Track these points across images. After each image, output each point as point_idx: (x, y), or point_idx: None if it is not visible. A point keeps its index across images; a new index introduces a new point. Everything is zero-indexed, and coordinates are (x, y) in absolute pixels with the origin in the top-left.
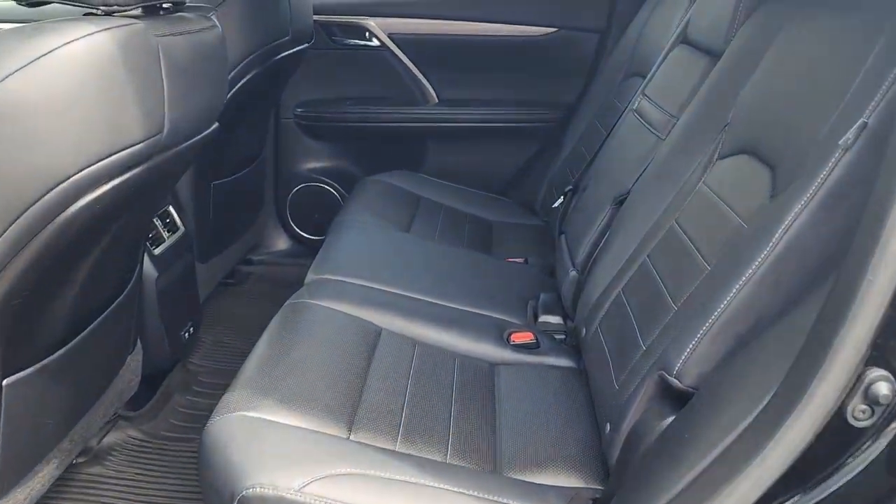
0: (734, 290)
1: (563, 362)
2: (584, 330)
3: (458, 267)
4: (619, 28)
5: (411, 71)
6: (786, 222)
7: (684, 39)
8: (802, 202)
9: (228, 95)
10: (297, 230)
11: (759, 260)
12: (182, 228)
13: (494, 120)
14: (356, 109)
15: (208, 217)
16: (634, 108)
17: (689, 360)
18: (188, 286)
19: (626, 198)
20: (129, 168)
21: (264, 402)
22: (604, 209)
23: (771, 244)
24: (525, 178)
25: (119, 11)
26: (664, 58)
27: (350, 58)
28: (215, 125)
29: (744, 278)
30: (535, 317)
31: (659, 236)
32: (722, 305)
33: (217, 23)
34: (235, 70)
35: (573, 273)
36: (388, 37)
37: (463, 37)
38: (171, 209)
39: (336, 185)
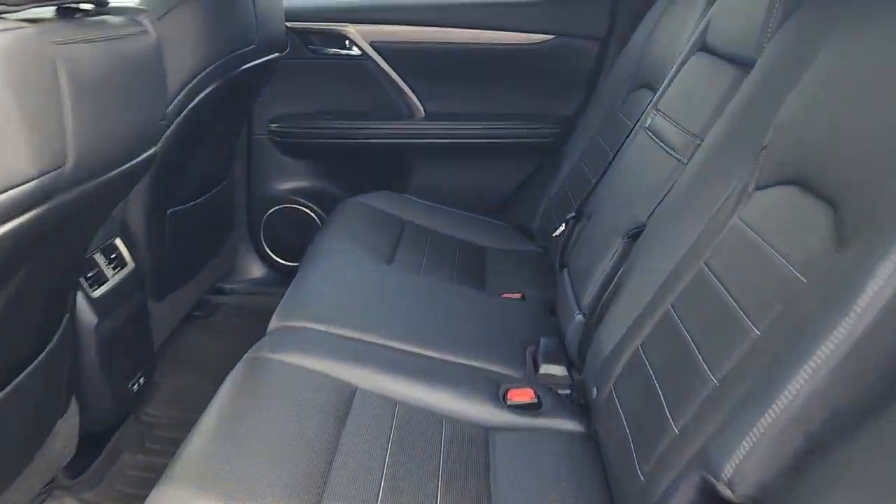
0: (804, 376)
1: (570, 425)
2: (594, 389)
3: (448, 307)
4: (622, 35)
5: (395, 82)
6: (873, 287)
7: (703, 47)
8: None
9: (184, 113)
10: (273, 256)
11: (838, 335)
12: (131, 264)
13: (486, 135)
14: (335, 125)
15: (165, 248)
16: (646, 125)
17: (745, 464)
18: (139, 330)
19: (640, 231)
20: (23, 209)
21: (207, 492)
22: (614, 243)
23: (853, 315)
24: (520, 199)
25: (7, 12)
26: (679, 68)
27: (328, 68)
28: (153, 149)
29: (816, 360)
30: (536, 366)
31: (684, 280)
32: (786, 394)
33: (149, 27)
34: (190, 84)
35: (579, 317)
36: (370, 45)
37: (451, 45)
38: (119, 242)
39: (314, 206)
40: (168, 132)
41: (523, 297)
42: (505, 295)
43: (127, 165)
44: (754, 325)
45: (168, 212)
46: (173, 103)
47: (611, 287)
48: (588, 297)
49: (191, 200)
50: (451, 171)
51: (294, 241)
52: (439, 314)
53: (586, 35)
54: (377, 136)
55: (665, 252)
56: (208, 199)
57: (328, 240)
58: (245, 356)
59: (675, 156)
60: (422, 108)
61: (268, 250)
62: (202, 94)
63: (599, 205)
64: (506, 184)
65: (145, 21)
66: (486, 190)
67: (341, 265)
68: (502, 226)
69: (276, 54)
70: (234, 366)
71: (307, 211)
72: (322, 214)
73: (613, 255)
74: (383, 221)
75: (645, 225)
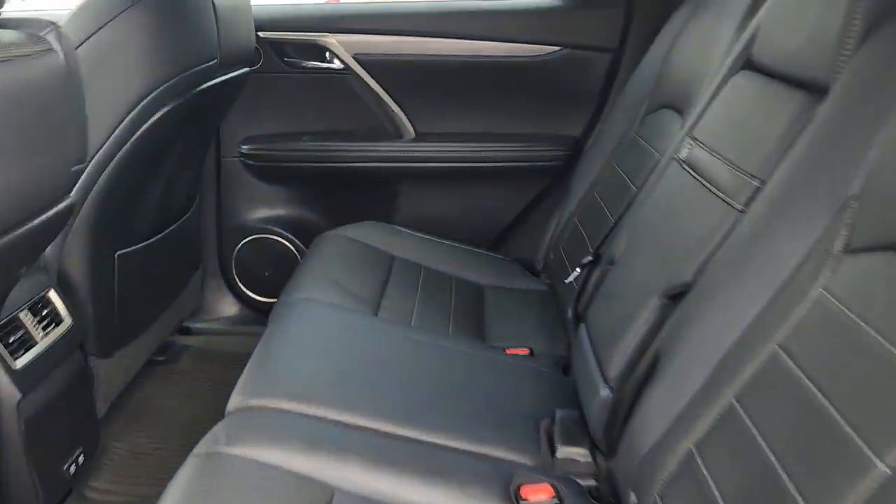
0: None
1: None
2: (631, 494)
3: (445, 373)
4: (637, 46)
5: (382, 100)
6: None
7: (748, 64)
8: None
9: (131, 141)
10: (246, 291)
11: None
12: (69, 320)
13: (484, 158)
14: (314, 146)
15: (113, 297)
16: (681, 156)
17: None
18: (77, 399)
19: (684, 291)
20: None
21: None
22: (648, 303)
23: None
24: (521, 229)
25: None
26: (717, 89)
27: (306, 84)
28: (68, 201)
29: None
30: (552, 448)
31: (751, 366)
32: None
33: (56, 45)
34: (138, 108)
35: (606, 392)
36: (354, 58)
37: (445, 58)
38: (54, 295)
39: (292, 237)
40: (112, 164)
41: (531, 353)
42: (510, 350)
43: (25, 227)
44: (873, 451)
45: (116, 255)
46: (116, 131)
47: (645, 359)
48: (616, 368)
49: (145, 239)
50: (444, 198)
51: (270, 274)
52: (436, 383)
53: (595, 47)
54: (361, 160)
55: (720, 324)
56: (168, 234)
57: (304, 285)
58: (196, 450)
59: (726, 199)
60: (411, 128)
61: (240, 285)
62: (153, 119)
63: (625, 250)
64: (505, 212)
65: (51, 37)
66: (483, 219)
67: (318, 321)
68: (501, 260)
69: (245, 69)
70: (199, 425)
71: (284, 242)
72: (300, 246)
73: (647, 319)
74: (369, 258)
75: (690, 284)
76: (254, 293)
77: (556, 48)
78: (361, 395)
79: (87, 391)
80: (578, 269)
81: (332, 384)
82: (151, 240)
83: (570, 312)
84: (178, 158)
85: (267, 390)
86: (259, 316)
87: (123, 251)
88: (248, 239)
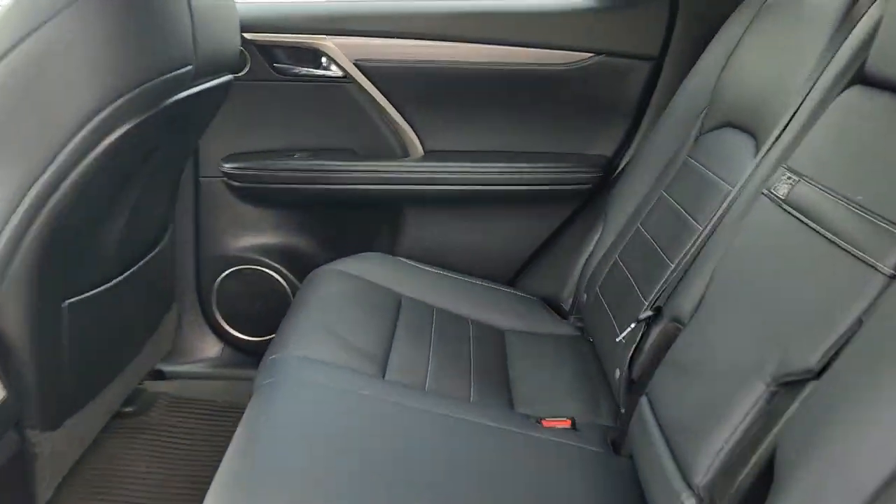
0: None
1: None
2: None
3: (472, 461)
4: (682, 54)
5: (386, 112)
6: None
7: (862, 78)
8: None
9: (80, 167)
10: (229, 329)
11: None
12: (2, 392)
13: (502, 181)
14: (308, 165)
15: (62, 356)
16: (779, 194)
17: None
18: (11, 486)
19: (810, 381)
20: None
21: None
22: (749, 388)
23: None
24: (545, 262)
25: None
26: (817, 109)
27: (299, 93)
28: None
29: None
30: None
31: None
32: None
33: None
34: (88, 127)
35: None
36: (354, 64)
37: (459, 66)
38: None
39: (281, 268)
40: (57, 197)
41: (573, 425)
42: (548, 422)
43: None
44: None
45: (65, 304)
46: (60, 156)
47: (750, 468)
48: (705, 474)
49: (104, 281)
50: (456, 225)
51: (256, 309)
52: (463, 476)
53: (633, 54)
54: (362, 181)
55: (874, 436)
56: (134, 273)
57: (296, 337)
58: None
59: (865, 258)
60: (420, 146)
61: (222, 322)
62: (110, 140)
63: (701, 309)
64: (526, 243)
65: None
66: (501, 250)
67: (315, 392)
68: (523, 298)
69: (228, 76)
70: (171, 491)
71: (272, 274)
72: (291, 279)
73: (750, 411)
74: (372, 298)
75: (814, 372)
76: (237, 331)
77: (588, 55)
78: (371, 498)
79: (25, 476)
80: (633, 325)
81: (335, 485)
82: (112, 282)
83: (617, 373)
84: (146, 184)
85: (250, 496)
86: (243, 357)
87: (75, 299)
88: (230, 270)
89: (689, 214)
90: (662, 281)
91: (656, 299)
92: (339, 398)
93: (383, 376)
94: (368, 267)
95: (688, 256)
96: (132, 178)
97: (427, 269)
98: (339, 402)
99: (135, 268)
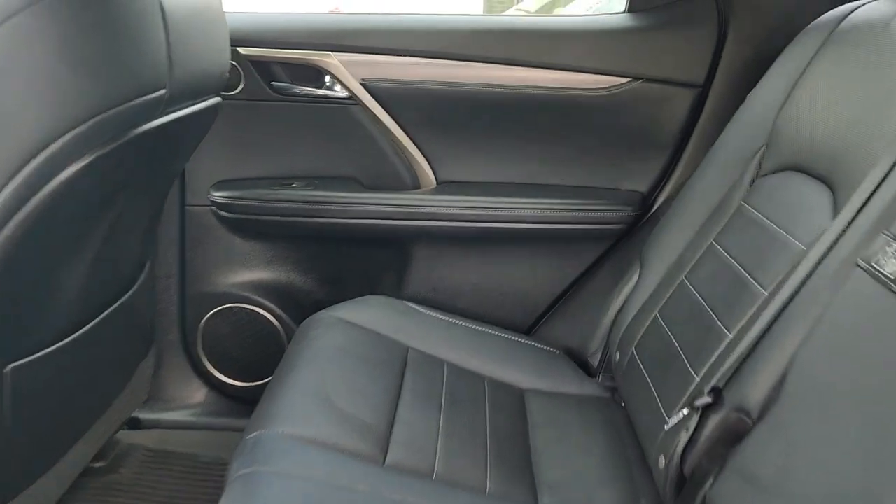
0: None
1: None
2: None
3: None
4: (731, 82)
5: (396, 138)
6: None
7: None
8: None
9: (19, 216)
10: (215, 373)
11: None
12: None
13: (522, 218)
14: (308, 195)
15: (6, 425)
16: (889, 275)
17: None
18: None
19: None
20: None
21: None
22: None
23: None
24: (568, 311)
25: None
26: None
27: (300, 115)
28: None
29: None
30: None
31: None
32: None
33: None
34: (33, 164)
35: None
36: (361, 84)
37: (478, 89)
38: None
39: (275, 308)
40: None
41: None
42: None
43: None
44: None
45: (8, 369)
46: None
47: None
48: None
49: (59, 339)
50: (471, 266)
51: (245, 352)
52: None
53: (674, 80)
54: (367, 215)
55: None
56: (100, 324)
57: (283, 409)
58: None
59: None
60: (432, 176)
61: (208, 366)
62: (61, 177)
63: (784, 412)
64: (549, 287)
65: None
66: (520, 295)
67: (299, 490)
68: (543, 351)
69: (214, 100)
70: None
71: (265, 314)
72: (285, 319)
73: None
74: (375, 353)
75: None
76: (224, 376)
77: (623, 80)
78: None
79: None
80: (685, 412)
81: None
82: (70, 337)
83: (662, 461)
84: (115, 224)
85: None
86: (230, 404)
87: (20, 362)
88: (218, 309)
89: (750, 274)
90: (717, 353)
91: (711, 377)
92: (329, 497)
93: (384, 460)
94: (371, 313)
95: (753, 330)
96: (95, 220)
97: (437, 315)
98: (331, 500)
99: (100, 318)
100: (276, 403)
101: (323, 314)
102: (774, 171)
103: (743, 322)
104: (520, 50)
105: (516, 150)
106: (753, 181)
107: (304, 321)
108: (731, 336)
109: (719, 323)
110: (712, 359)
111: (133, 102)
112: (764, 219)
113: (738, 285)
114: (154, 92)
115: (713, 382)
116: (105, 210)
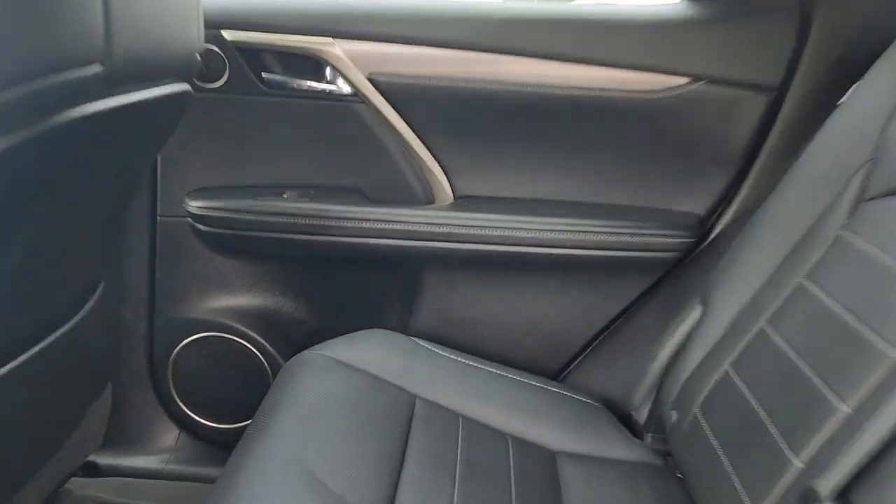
0: None
1: None
2: None
3: None
4: (815, 85)
5: (407, 143)
6: None
7: None
8: None
9: None
10: (186, 411)
11: None
12: None
13: (555, 241)
14: (301, 209)
15: None
16: None
17: None
18: None
19: None
20: None
21: None
22: None
23: None
24: (609, 353)
25: None
26: None
27: (295, 113)
28: None
29: None
30: None
31: None
32: None
33: None
34: None
35: None
36: (368, 79)
37: (507, 87)
38: None
39: (258, 338)
40: None
41: None
42: None
43: None
44: None
45: None
46: None
47: None
48: None
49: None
50: (492, 297)
51: (223, 389)
52: None
53: (744, 82)
54: (372, 233)
55: None
56: (30, 360)
57: (252, 480)
58: None
59: None
60: (449, 190)
61: (179, 402)
62: None
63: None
64: (585, 325)
65: None
66: (551, 333)
67: None
68: (579, 402)
69: (181, 86)
70: None
71: (246, 345)
72: (270, 351)
73: None
74: (375, 405)
75: None
76: (198, 416)
77: (683, 80)
78: None
79: None
80: None
81: None
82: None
83: None
84: (48, 234)
85: None
86: (204, 449)
87: None
88: (193, 338)
89: (869, 327)
90: (828, 434)
91: (823, 468)
92: None
93: None
94: (372, 351)
95: (890, 406)
96: (13, 228)
97: (450, 355)
98: None
99: (32, 351)
100: (244, 475)
101: (313, 352)
102: (885, 196)
103: (866, 392)
104: (557, 43)
105: (549, 161)
106: (855, 206)
107: (291, 359)
108: (849, 411)
109: (828, 391)
110: (819, 440)
111: (58, 77)
112: (880, 253)
113: (851, 340)
114: (85, 65)
115: (830, 479)
116: (28, 214)
